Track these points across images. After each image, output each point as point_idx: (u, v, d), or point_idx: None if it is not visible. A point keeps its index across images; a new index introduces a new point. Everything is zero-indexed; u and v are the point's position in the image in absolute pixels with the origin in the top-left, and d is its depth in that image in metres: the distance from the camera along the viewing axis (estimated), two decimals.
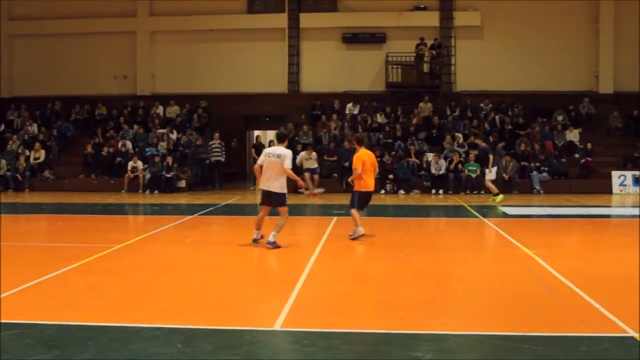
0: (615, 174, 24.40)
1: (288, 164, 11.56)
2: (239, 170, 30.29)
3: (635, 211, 20.03)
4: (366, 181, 12.79)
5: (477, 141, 21.80)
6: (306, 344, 6.66)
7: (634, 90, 27.90)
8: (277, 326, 7.07)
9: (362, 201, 12.88)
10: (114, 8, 30.29)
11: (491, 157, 20.85)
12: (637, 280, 9.58)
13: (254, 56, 30.06)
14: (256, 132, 31.00)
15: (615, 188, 24.15)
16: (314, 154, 24.36)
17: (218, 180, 26.48)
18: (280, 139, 12.33)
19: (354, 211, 12.76)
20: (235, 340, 6.72)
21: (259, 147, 27.46)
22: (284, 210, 11.85)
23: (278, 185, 11.75)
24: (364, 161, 12.68)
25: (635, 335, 6.80)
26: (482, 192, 23.33)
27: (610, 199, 22.90)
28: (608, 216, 19.11)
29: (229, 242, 13.06)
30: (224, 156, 26.46)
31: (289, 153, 11.71)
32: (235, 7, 30.25)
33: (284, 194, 11.81)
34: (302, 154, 24.15)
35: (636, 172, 24.36)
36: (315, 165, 24.28)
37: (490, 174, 20.78)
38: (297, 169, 20.91)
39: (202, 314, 7.50)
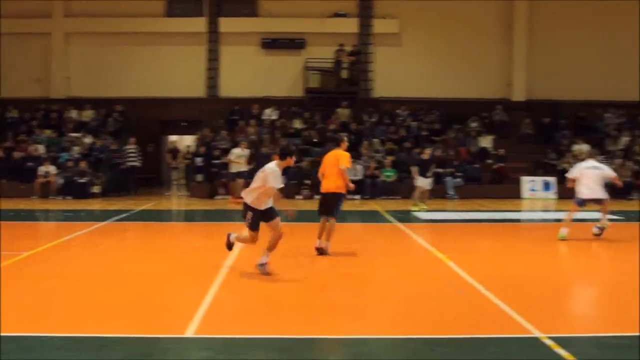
0: (525, 179, 25.13)
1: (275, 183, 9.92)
2: (155, 175, 29.88)
3: (545, 215, 20.70)
4: (322, 183, 12.69)
5: (426, 151, 21.27)
6: (220, 350, 6.64)
7: (546, 98, 28.80)
8: (190, 333, 7.03)
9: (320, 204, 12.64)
10: (27, 8, 29.45)
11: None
12: (545, 282, 9.91)
13: (172, 60, 29.73)
14: (173, 137, 30.70)
15: (526, 193, 24.86)
16: (246, 150, 23.28)
17: (133, 186, 26.06)
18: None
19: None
20: (146, 348, 6.64)
21: (175, 152, 27.24)
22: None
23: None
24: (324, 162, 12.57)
25: (540, 335, 7.03)
26: (399, 197, 23.68)
27: (520, 203, 23.56)
28: (519, 220, 19.66)
29: (143, 248, 12.90)
30: (139, 161, 26.06)
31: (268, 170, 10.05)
32: (153, 10, 29.88)
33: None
34: (236, 150, 23.23)
35: (546, 178, 25.13)
36: (245, 168, 22.79)
37: (425, 181, 20.52)
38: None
39: (114, 322, 7.39)
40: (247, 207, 10.13)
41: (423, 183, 20.25)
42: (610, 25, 29.09)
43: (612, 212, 17.75)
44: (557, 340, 6.82)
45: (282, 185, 10.03)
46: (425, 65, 29.66)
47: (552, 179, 25.07)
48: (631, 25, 29.48)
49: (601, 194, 14.11)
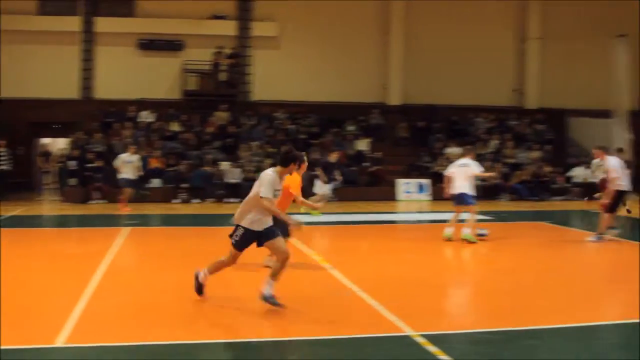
0: (401, 181, 25.74)
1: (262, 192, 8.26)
2: (26, 179, 28.68)
3: (419, 217, 21.27)
4: None
5: (333, 154, 21.15)
6: (90, 358, 6.48)
7: (421, 102, 29.59)
8: (60, 342, 6.81)
9: None
10: None
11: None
12: (419, 281, 10.18)
13: (44, 60, 28.60)
14: (45, 140, 29.63)
15: (401, 195, 25.47)
16: (135, 156, 21.45)
17: (2, 191, 24.93)
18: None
19: None
20: (13, 358, 6.39)
21: (47, 155, 26.29)
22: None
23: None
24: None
25: (412, 334, 7.22)
26: None
27: (396, 205, 24.11)
28: (394, 222, 20.10)
29: (12, 256, 12.36)
30: (9, 165, 24.97)
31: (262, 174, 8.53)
32: (25, 8, 28.72)
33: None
34: (123, 156, 21.43)
35: (421, 180, 25.83)
36: (132, 176, 21.15)
37: (325, 187, 20.51)
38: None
39: None
40: (238, 226, 8.43)
41: (322, 189, 20.19)
42: (483, 32, 30.22)
43: (483, 213, 18.46)
44: (428, 337, 7.03)
45: (269, 196, 8.16)
46: (303, 69, 29.86)
47: (426, 181, 25.80)
48: (503, 34, 30.81)
49: (468, 190, 14.35)
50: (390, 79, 30.26)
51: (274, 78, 29.40)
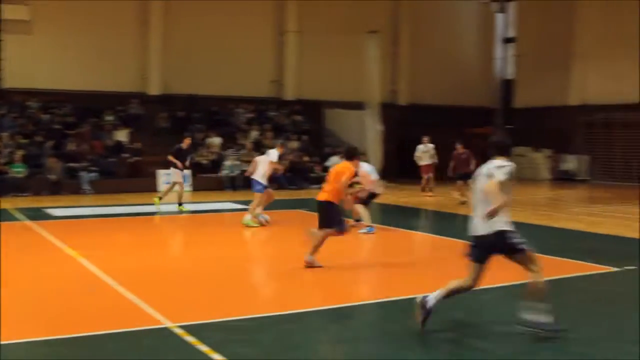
0: (161, 172, 25.28)
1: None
2: None
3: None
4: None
5: (185, 140, 20.09)
6: None
7: (181, 92, 29.32)
8: None
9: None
10: None
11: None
12: (179, 272, 10.10)
13: None
14: None
15: (162, 186, 25.03)
16: None
17: None
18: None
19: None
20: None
21: None
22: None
23: None
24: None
25: (170, 325, 7.16)
26: (29, 194, 22.52)
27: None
28: (155, 213, 19.74)
29: None
30: None
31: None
32: None
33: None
34: None
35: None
36: None
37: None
38: None
39: None
40: None
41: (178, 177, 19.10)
42: (243, 25, 30.56)
43: (244, 202, 18.72)
44: (186, 328, 7.02)
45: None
46: (59, 56, 28.36)
47: (187, 172, 25.58)
48: (262, 27, 31.40)
49: (259, 177, 15.34)
50: (150, 69, 29.67)
51: (26, 65, 27.58)
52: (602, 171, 32.44)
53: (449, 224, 18.07)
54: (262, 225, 15.41)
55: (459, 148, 21.84)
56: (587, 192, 26.75)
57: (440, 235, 15.18)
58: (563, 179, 32.28)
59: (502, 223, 6.87)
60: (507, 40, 39.72)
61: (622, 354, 6.61)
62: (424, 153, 24.28)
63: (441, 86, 35.59)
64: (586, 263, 11.30)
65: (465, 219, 17.69)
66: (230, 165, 25.82)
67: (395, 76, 35.21)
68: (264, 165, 15.59)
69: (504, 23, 39.71)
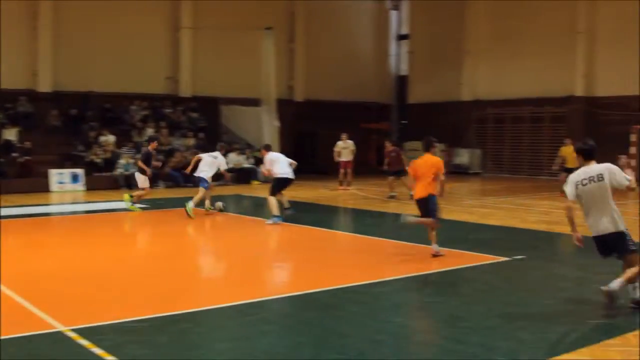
0: (53, 172, 24.61)
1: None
2: None
3: (74, 207, 20.57)
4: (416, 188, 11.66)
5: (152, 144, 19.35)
6: None
7: (73, 89, 28.47)
8: None
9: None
10: None
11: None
12: (73, 275, 9.84)
13: None
14: None
15: (54, 186, 24.38)
16: None
17: None
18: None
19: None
20: None
21: None
22: None
23: None
24: (416, 167, 11.55)
25: (63, 329, 6.98)
26: None
27: (49, 197, 23.03)
28: (48, 214, 19.19)
29: None
30: None
31: None
32: None
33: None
34: None
35: (74, 170, 24.93)
36: None
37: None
38: None
39: None
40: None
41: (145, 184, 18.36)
42: (137, 21, 29.98)
43: (139, 202, 18.40)
44: (79, 331, 6.86)
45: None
46: None
47: (80, 171, 24.99)
48: (157, 23, 30.88)
49: (204, 175, 17.29)
50: (40, 65, 28.59)
51: None
52: (493, 164, 33.60)
53: (347, 219, 18.30)
54: (221, 211, 17.57)
55: (388, 146, 22.55)
56: (480, 185, 27.58)
57: (338, 230, 15.35)
58: (457, 172, 33.17)
59: (623, 224, 7.99)
60: (401, 37, 40.58)
61: (514, 340, 6.85)
62: (344, 149, 24.94)
63: (337, 82, 35.98)
64: (478, 254, 11.67)
65: (369, 213, 17.98)
66: (125, 164, 25.29)
67: (292, 72, 35.34)
68: (209, 164, 17.41)
69: (397, 20, 40.58)
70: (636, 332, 7.03)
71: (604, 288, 7.96)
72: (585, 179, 8.07)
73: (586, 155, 8.24)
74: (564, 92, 30.98)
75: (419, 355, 6.45)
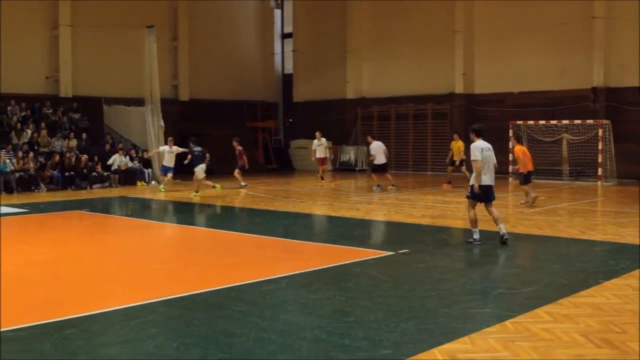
0: None
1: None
2: None
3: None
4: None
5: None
6: None
7: None
8: None
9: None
10: None
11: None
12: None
13: None
14: None
15: None
16: None
17: None
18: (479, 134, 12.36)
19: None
20: None
21: None
22: None
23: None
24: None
25: None
26: None
27: None
28: None
29: None
30: None
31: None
32: None
33: None
34: None
35: None
36: None
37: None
38: None
39: None
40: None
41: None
42: (11, 20, 28.93)
43: (18, 206, 17.75)
44: None
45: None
46: None
47: None
48: (34, 21, 29.89)
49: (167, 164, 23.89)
50: None
51: None
52: None
53: (235, 218, 18.26)
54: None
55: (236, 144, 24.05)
56: (365, 181, 28.04)
57: (224, 230, 15.30)
58: (343, 169, 33.64)
59: None
60: (285, 36, 40.81)
61: (398, 332, 7.03)
62: (319, 147, 26.55)
63: (222, 81, 35.91)
64: (364, 249, 11.89)
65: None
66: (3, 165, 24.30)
67: (176, 71, 34.97)
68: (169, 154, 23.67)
69: (281, 19, 40.78)
70: (513, 320, 7.37)
71: (504, 232, 11.99)
72: (484, 148, 11.94)
73: (479, 133, 12.19)
74: (445, 89, 31.94)
75: (306, 351, 6.52)
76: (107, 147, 28.09)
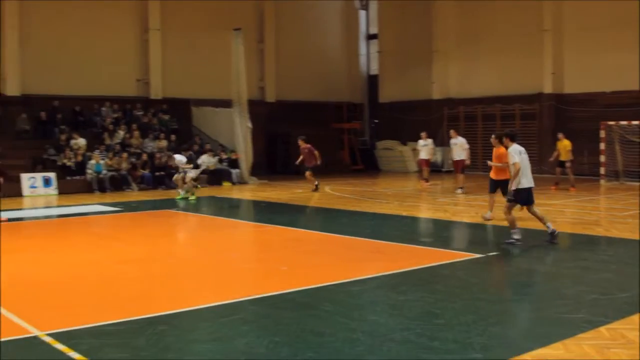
0: (25, 176, 24.39)
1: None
2: None
3: (48, 212, 20.37)
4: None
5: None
6: None
7: (42, 93, 28.18)
8: None
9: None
10: None
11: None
12: (47, 280, 9.78)
13: None
14: None
15: (26, 190, 24.17)
16: None
17: None
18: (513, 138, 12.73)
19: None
20: None
21: None
22: None
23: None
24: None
25: (39, 334, 6.96)
26: None
27: (21, 201, 22.83)
28: (22, 219, 18.99)
29: None
30: None
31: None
32: None
33: None
34: None
35: (46, 174, 24.73)
36: None
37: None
38: None
39: None
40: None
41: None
42: (106, 24, 29.84)
43: (112, 205, 18.28)
44: (55, 335, 6.85)
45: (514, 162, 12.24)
46: None
47: (52, 175, 24.80)
48: (125, 25, 30.70)
49: None
50: (7, 70, 28.19)
51: None
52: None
53: (321, 218, 18.34)
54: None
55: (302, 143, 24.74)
56: (452, 183, 27.71)
57: (312, 230, 15.39)
58: (430, 170, 33.37)
59: None
60: (370, 37, 40.74)
61: (486, 336, 6.93)
62: (424, 147, 25.71)
63: (308, 82, 36.07)
64: (452, 251, 11.78)
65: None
66: (95, 164, 25.09)
67: (263, 73, 35.34)
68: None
69: (366, 20, 40.73)
70: (609, 326, 7.17)
71: (552, 229, 12.28)
72: (521, 152, 12.34)
73: (513, 138, 12.60)
74: (533, 89, 31.29)
75: (395, 352, 6.50)
76: (196, 147, 28.60)
